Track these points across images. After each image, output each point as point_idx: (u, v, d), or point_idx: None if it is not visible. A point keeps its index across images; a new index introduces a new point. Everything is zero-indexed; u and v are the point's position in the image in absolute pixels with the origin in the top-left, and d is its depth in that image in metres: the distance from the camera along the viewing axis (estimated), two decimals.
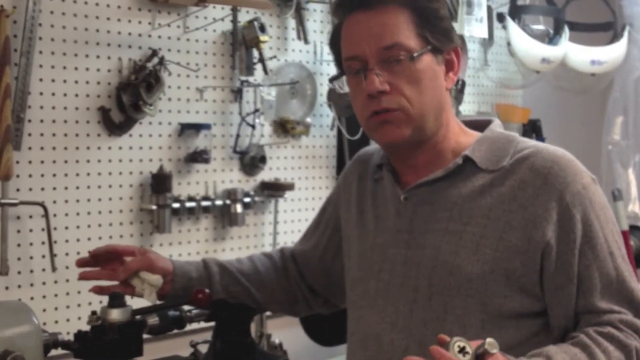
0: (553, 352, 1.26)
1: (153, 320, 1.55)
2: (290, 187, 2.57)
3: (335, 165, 2.75)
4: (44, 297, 2.06)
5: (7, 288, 1.99)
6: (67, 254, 2.09)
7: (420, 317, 1.37)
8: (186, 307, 1.62)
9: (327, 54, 2.69)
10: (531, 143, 1.43)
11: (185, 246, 2.36)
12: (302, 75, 2.63)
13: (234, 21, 2.43)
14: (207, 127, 2.37)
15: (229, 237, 2.47)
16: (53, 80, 2.07)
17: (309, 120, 2.64)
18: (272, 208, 2.57)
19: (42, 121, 2.05)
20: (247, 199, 2.47)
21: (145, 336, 1.52)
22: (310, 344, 2.47)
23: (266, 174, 2.55)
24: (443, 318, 1.35)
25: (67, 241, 2.10)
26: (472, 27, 2.97)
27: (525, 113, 3.34)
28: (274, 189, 2.54)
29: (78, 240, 2.12)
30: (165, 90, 2.26)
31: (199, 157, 2.34)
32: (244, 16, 2.47)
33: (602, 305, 1.33)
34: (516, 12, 3.18)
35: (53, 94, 2.07)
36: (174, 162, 2.33)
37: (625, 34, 3.33)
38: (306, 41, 2.61)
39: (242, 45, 2.45)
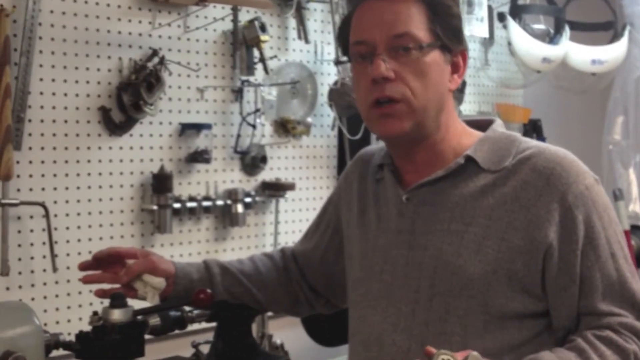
0: (547, 358, 1.27)
1: (154, 320, 1.56)
2: (291, 187, 2.56)
3: (336, 165, 2.75)
4: (44, 297, 2.06)
5: (7, 289, 1.99)
6: (67, 255, 2.09)
7: (422, 318, 1.37)
8: (187, 308, 1.62)
9: (328, 54, 2.69)
10: (533, 143, 1.42)
11: (186, 246, 2.35)
12: (303, 75, 2.63)
13: (235, 21, 2.43)
14: (207, 127, 2.37)
15: (230, 237, 2.47)
16: (53, 80, 2.07)
17: (309, 120, 2.64)
18: (273, 208, 2.57)
19: (42, 121, 2.05)
20: (248, 199, 2.47)
21: (146, 337, 1.52)
22: (311, 344, 2.47)
23: (267, 174, 2.55)
24: (445, 319, 1.35)
25: (67, 241, 2.10)
26: (472, 26, 2.97)
27: (525, 113, 3.34)
28: (275, 189, 2.54)
29: (79, 240, 2.12)
30: (166, 90, 2.26)
31: (199, 157, 2.34)
32: (245, 16, 2.46)
33: (603, 307, 1.33)
34: (517, 11, 3.18)
35: (53, 94, 2.07)
36: (174, 162, 2.33)
37: (626, 33, 3.33)
38: (307, 41, 2.61)
39: (242, 45, 2.45)
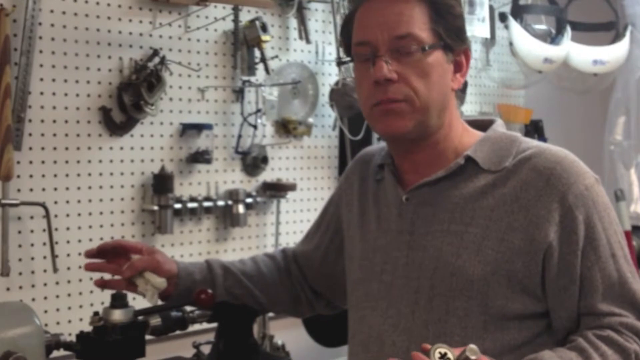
0: (548, 358, 1.26)
1: (155, 321, 1.55)
2: (292, 187, 2.56)
3: (337, 166, 2.75)
4: (45, 298, 2.06)
5: (8, 289, 1.99)
6: (68, 255, 2.09)
7: (422, 318, 1.36)
8: (189, 308, 1.62)
9: (329, 54, 2.69)
10: (534, 143, 1.42)
11: (187, 247, 2.35)
12: (304, 75, 2.63)
13: (236, 20, 2.43)
14: (208, 127, 2.37)
15: (231, 237, 2.46)
16: (54, 80, 2.06)
17: (310, 120, 2.64)
18: (274, 208, 2.57)
19: (42, 121, 2.05)
20: (249, 200, 2.46)
21: (147, 337, 1.51)
22: (312, 345, 2.47)
23: (268, 175, 2.55)
24: (445, 319, 1.35)
25: (68, 242, 2.10)
26: (474, 26, 2.97)
27: (527, 113, 3.34)
28: (276, 190, 2.54)
29: (79, 241, 2.12)
30: (167, 90, 2.26)
31: (200, 157, 2.34)
32: (246, 15, 2.46)
33: (603, 307, 1.32)
34: (518, 11, 3.17)
35: (54, 94, 2.07)
36: (175, 162, 2.32)
37: (627, 33, 3.33)
38: (308, 41, 2.60)
39: (243, 45, 2.45)
